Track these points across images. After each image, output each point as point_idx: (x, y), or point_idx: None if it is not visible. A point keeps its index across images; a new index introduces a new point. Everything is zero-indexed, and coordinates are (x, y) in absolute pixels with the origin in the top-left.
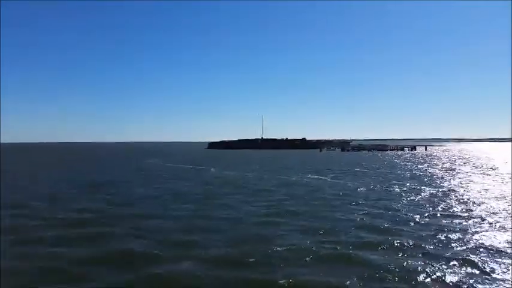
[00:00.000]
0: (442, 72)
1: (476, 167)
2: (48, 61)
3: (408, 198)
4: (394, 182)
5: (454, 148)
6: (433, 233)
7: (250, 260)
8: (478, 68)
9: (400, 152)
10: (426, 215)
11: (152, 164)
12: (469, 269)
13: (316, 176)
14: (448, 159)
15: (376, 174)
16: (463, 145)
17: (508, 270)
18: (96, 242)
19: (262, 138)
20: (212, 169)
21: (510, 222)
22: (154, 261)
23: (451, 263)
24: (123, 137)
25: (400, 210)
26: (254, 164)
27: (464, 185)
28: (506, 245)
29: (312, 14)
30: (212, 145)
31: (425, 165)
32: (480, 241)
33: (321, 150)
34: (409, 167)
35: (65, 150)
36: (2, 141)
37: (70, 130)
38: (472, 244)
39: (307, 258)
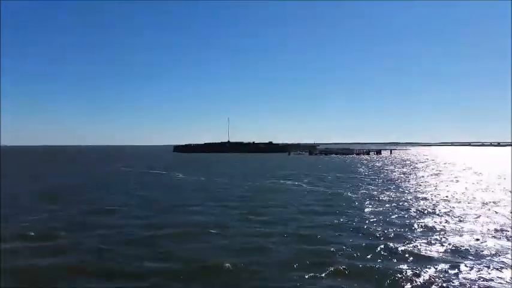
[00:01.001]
0: (406, 78)
1: (449, 170)
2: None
3: (393, 204)
4: (371, 187)
5: (417, 152)
6: (434, 238)
7: (235, 278)
8: (442, 75)
9: (366, 156)
10: (420, 219)
11: (118, 169)
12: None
13: (290, 182)
14: (416, 163)
15: (350, 179)
16: (424, 149)
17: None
18: (60, 254)
19: (229, 141)
20: (179, 174)
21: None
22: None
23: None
24: (86, 141)
25: (386, 215)
26: (223, 168)
27: (442, 188)
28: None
29: (282, 16)
30: (177, 149)
31: (397, 168)
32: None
33: (289, 154)
34: (381, 170)
35: (32, 153)
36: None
37: (37, 133)
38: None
39: (300, 274)
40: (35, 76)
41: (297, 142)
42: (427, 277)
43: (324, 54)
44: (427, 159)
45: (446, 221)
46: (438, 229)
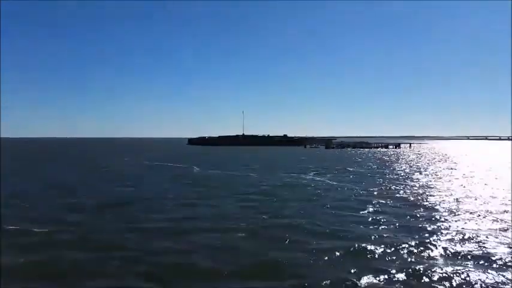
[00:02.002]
0: (417, 73)
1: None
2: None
3: (425, 203)
4: (397, 182)
5: (435, 145)
6: None
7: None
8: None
9: (385, 150)
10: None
11: (134, 162)
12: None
13: (311, 176)
14: (444, 157)
15: (375, 174)
16: (441, 143)
17: None
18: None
19: (243, 134)
20: (196, 168)
21: None
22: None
23: None
24: (104, 133)
25: (421, 213)
26: (239, 161)
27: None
28: None
29: (294, 10)
30: (192, 141)
31: (421, 163)
32: None
33: (305, 147)
34: (405, 165)
35: (51, 145)
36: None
37: (59, 125)
38: None
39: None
40: (40, 69)
41: (310, 135)
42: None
43: (339, 47)
44: (449, 153)
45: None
46: (485, 230)
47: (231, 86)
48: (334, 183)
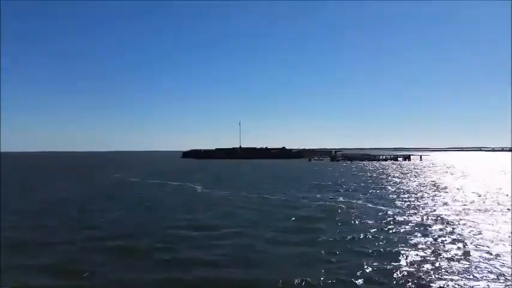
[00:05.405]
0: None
1: None
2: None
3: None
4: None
5: (438, 158)
6: None
7: None
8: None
9: (397, 163)
10: None
11: (127, 180)
12: None
13: (343, 197)
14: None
15: (413, 193)
16: (442, 155)
17: None
18: None
19: (240, 147)
20: (199, 187)
21: None
22: None
23: None
24: (98, 147)
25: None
26: (243, 177)
27: None
28: None
29: (292, 20)
30: (186, 154)
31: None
32: None
33: (309, 160)
34: (437, 180)
35: (27, 159)
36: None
37: (52, 139)
38: None
39: None
40: (34, 79)
41: (308, 147)
42: None
43: (337, 57)
44: (485, 167)
45: None
46: None
47: (226, 97)
48: (383, 207)
